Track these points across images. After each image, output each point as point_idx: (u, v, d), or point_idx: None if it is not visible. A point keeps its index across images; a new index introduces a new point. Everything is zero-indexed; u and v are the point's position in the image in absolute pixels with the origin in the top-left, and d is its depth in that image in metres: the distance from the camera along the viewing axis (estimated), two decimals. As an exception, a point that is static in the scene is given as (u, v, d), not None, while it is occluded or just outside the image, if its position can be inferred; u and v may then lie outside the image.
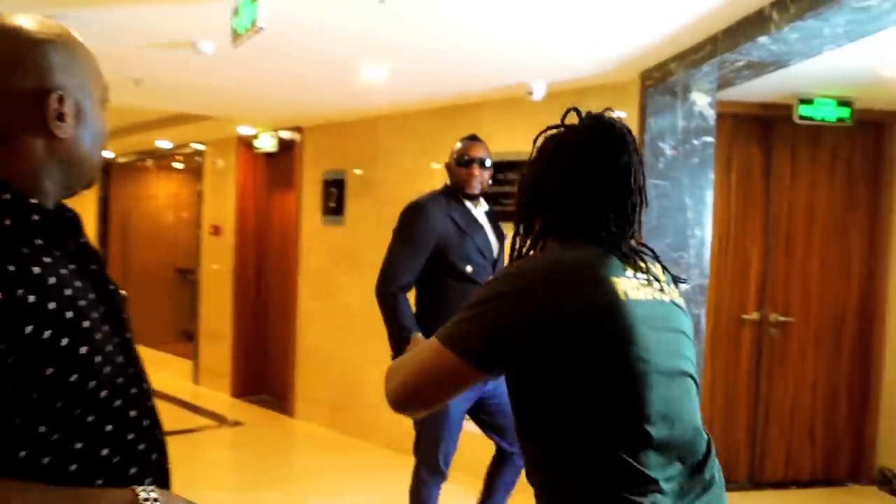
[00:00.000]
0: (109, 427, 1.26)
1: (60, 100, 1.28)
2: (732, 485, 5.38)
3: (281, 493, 5.41)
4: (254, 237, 8.40)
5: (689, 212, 4.51)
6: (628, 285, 1.59)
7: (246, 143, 8.17)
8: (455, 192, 3.69)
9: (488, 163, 3.71)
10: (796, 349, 5.44)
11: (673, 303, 1.69)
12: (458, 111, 5.80)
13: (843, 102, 4.98)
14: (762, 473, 5.44)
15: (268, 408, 7.89)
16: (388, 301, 3.49)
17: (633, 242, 1.71)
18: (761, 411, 5.41)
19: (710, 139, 4.51)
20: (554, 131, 1.89)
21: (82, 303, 1.25)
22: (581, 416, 1.54)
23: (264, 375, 8.34)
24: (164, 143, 9.40)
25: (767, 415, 5.42)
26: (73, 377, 1.20)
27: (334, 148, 7.10)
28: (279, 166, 8.02)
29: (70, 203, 1.38)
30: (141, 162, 10.57)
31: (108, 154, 10.55)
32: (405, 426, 6.29)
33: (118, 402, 1.28)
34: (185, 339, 9.33)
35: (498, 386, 3.55)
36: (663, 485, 1.55)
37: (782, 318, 5.38)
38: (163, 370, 9.52)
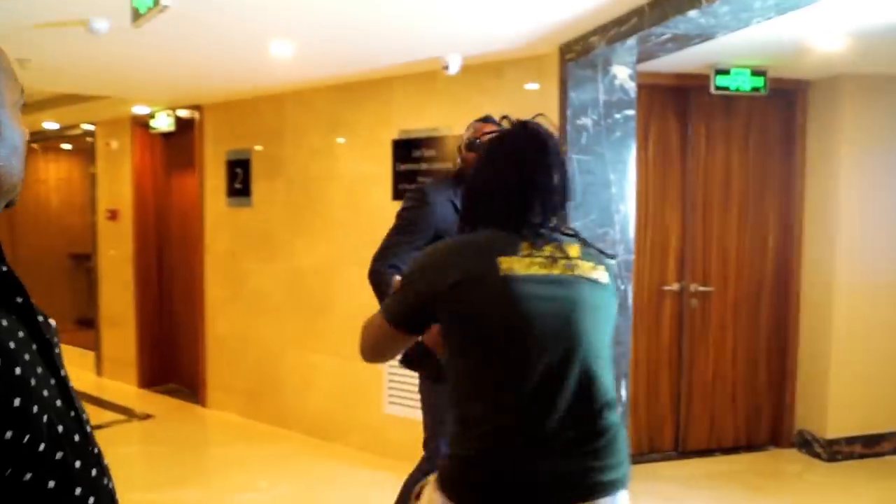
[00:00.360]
0: (52, 483, 1.11)
1: None
2: (658, 454, 5.42)
3: (200, 489, 5.20)
4: (154, 221, 8.05)
5: (612, 187, 4.45)
6: (517, 263, 1.89)
7: (142, 122, 7.79)
8: (462, 178, 3.48)
9: None
10: (716, 318, 5.48)
11: (582, 277, 1.93)
12: (369, 87, 5.60)
13: (758, 72, 4.98)
14: (687, 442, 5.49)
15: (178, 398, 7.60)
16: (375, 277, 3.36)
17: (554, 228, 1.99)
18: (684, 381, 5.44)
19: (631, 112, 4.44)
20: (490, 136, 2.21)
21: (12, 345, 1.07)
22: (473, 362, 1.92)
23: (173, 364, 8.04)
24: (51, 125, 8.92)
25: (690, 384, 5.46)
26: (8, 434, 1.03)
27: (237, 127, 6.82)
28: (178, 146, 7.68)
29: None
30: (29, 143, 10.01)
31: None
32: (329, 411, 6.18)
33: (59, 455, 1.12)
34: (83, 327, 8.93)
35: None
36: (532, 430, 1.85)
37: (702, 288, 5.41)
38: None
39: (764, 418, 5.63)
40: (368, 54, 4.85)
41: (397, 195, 5.43)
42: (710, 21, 3.35)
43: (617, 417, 1.92)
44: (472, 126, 3.46)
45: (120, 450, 6.18)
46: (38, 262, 9.72)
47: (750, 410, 5.59)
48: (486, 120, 3.44)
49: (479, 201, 2.04)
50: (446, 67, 4.71)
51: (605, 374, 1.93)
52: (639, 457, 5.28)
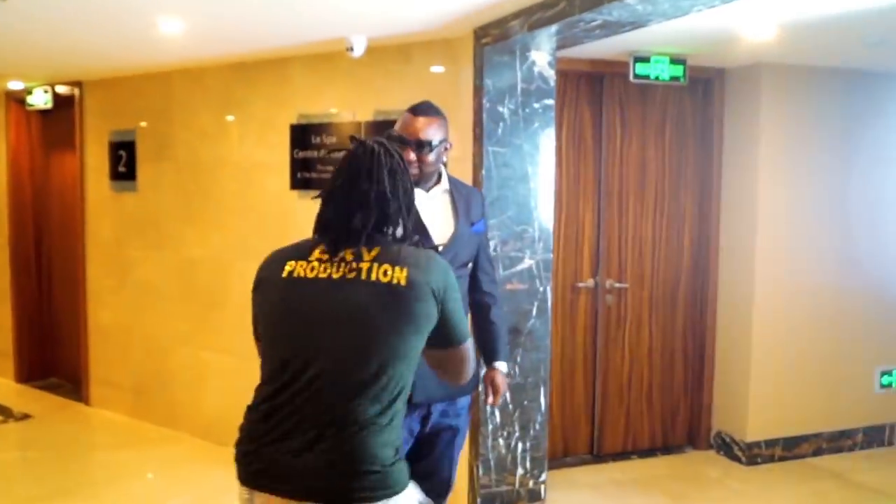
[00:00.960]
0: None
1: None
2: (573, 458, 5.22)
3: (85, 500, 4.76)
4: (31, 204, 7.44)
5: (531, 181, 4.18)
6: (302, 266, 2.07)
7: (17, 98, 7.17)
8: None
9: (432, 143, 2.96)
10: (632, 316, 5.30)
11: (364, 281, 2.02)
12: (266, 66, 5.19)
13: (677, 60, 4.77)
14: (602, 445, 5.31)
15: (60, 394, 7.05)
16: None
17: (375, 236, 2.11)
18: (599, 381, 5.25)
19: (550, 102, 4.18)
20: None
21: None
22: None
23: (54, 357, 7.49)
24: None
25: (605, 384, 5.27)
26: None
27: (121, 105, 6.30)
28: (57, 125, 7.10)
29: None
30: None
31: None
32: (223, 413, 5.75)
33: None
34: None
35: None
36: (262, 419, 2.03)
37: (617, 285, 5.21)
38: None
39: (681, 419, 5.49)
40: (266, 33, 4.45)
41: (295, 184, 5.05)
42: (647, 8, 3.09)
43: (353, 436, 1.95)
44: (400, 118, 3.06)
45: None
46: None
47: (666, 411, 5.44)
48: (413, 111, 3.01)
49: (319, 211, 2.16)
50: (350, 49, 4.35)
51: (348, 381, 1.98)
52: (553, 461, 5.08)
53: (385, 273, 2.02)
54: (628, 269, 5.25)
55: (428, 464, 3.27)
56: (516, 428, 4.28)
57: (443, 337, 2.08)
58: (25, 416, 6.48)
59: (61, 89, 6.70)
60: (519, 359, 4.22)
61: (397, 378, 1.99)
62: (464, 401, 3.19)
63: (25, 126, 7.34)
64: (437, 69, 4.45)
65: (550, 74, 4.13)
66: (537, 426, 4.32)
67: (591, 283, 5.18)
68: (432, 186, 3.10)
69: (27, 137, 7.36)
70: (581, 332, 5.19)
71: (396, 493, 1.97)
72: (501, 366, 3.22)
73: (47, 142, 7.37)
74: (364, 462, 1.94)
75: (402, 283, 2.00)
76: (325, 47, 4.64)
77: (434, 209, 3.10)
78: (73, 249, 6.78)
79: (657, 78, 4.72)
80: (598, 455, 5.29)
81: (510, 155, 4.11)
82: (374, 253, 2.06)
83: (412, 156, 2.96)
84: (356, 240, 2.07)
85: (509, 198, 4.11)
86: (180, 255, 5.83)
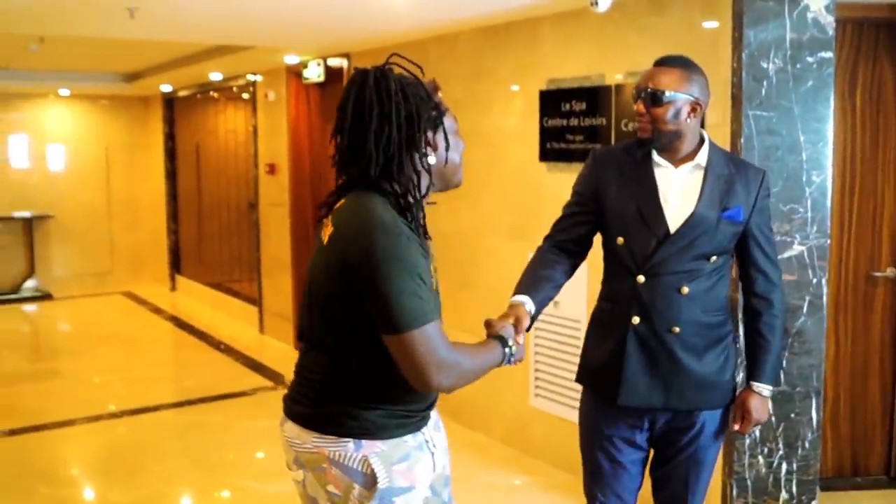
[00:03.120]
0: None
1: None
2: (864, 479, 4.42)
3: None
4: (308, 176, 7.63)
5: (803, 151, 3.48)
6: (321, 231, 2.01)
7: (296, 72, 7.34)
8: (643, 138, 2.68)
9: (665, 94, 2.54)
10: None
11: (321, 241, 1.97)
12: (514, 29, 4.81)
13: None
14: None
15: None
16: None
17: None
18: (900, 389, 4.39)
19: (828, 55, 3.44)
20: None
21: None
22: None
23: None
24: (216, 76, 8.67)
25: (905, 393, 4.39)
26: None
27: (384, 76, 6.20)
28: (331, 98, 7.18)
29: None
30: (202, 94, 9.89)
31: (167, 87, 10.00)
32: (470, 397, 5.44)
33: None
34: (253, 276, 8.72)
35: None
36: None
37: (925, 275, 4.31)
38: (232, 316, 9.03)
39: None
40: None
41: (545, 155, 4.64)
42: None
43: (324, 394, 1.99)
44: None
45: (256, 423, 5.80)
46: (221, 211, 9.63)
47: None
48: (662, 63, 2.59)
49: None
50: (595, 3, 3.84)
51: (321, 346, 2.00)
52: (838, 480, 4.32)
53: (326, 233, 1.95)
54: (940, 256, 4.33)
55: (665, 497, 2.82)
56: (780, 445, 3.62)
57: (375, 317, 1.85)
58: (294, 383, 6.62)
59: (333, 62, 6.74)
60: (785, 364, 3.55)
61: (358, 355, 1.95)
62: (707, 418, 2.68)
63: (305, 99, 7.51)
64: (697, 21, 3.83)
65: (828, 21, 3.39)
66: (807, 444, 3.63)
67: (891, 272, 4.32)
68: (685, 159, 2.61)
69: (306, 110, 7.53)
70: (877, 331, 4.35)
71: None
72: (760, 388, 2.68)
73: (323, 114, 7.48)
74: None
75: (325, 243, 1.95)
76: (572, 3, 4.17)
77: (673, 186, 2.61)
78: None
79: (980, 21, 3.79)
80: (894, 478, 4.43)
81: (776, 120, 3.43)
82: (336, 207, 1.97)
83: (641, 107, 2.55)
84: (335, 192, 2.01)
85: (775, 171, 3.43)
86: (433, 230, 5.62)
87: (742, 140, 3.44)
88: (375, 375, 1.95)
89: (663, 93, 2.50)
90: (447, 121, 2.01)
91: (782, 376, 3.55)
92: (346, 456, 1.95)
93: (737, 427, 2.71)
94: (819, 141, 3.48)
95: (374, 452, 1.96)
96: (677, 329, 2.58)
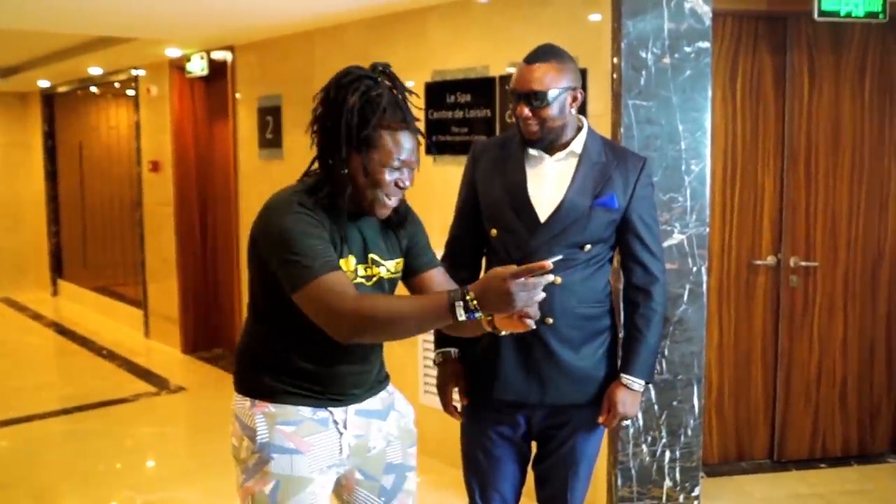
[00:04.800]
0: None
1: None
2: (748, 463, 4.51)
3: (208, 481, 4.54)
4: (195, 172, 7.40)
5: (682, 141, 3.50)
6: None
7: (179, 66, 7.12)
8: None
9: (547, 94, 2.46)
10: (823, 300, 4.46)
11: None
12: (401, 20, 4.74)
13: (876, -8, 3.91)
14: (784, 450, 4.50)
15: (221, 366, 6.99)
16: None
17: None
18: (781, 376, 4.47)
19: (705, 45, 3.47)
20: None
21: None
22: None
23: (217, 328, 7.46)
24: (95, 70, 8.35)
25: (789, 380, 4.47)
26: None
27: (269, 70, 6.07)
28: (216, 93, 6.99)
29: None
30: (83, 90, 9.52)
31: (45, 83, 9.59)
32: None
33: None
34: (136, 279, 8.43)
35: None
36: None
37: (805, 263, 4.40)
38: (117, 320, 8.73)
39: (882, 423, 4.61)
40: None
41: (430, 149, 4.58)
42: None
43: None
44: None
45: (139, 430, 5.58)
46: (104, 211, 9.29)
47: (864, 413, 4.57)
48: (535, 59, 2.51)
49: None
50: (478, -7, 3.81)
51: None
52: (724, 466, 4.40)
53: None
54: (818, 244, 4.44)
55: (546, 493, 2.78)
56: (663, 433, 3.64)
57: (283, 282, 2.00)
58: (179, 389, 6.42)
59: (216, 55, 6.56)
60: (666, 352, 3.57)
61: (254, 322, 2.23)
62: (585, 413, 2.65)
63: (188, 94, 7.29)
64: (580, 12, 3.83)
65: (705, 11, 3.42)
66: (689, 432, 3.66)
67: (771, 260, 4.41)
68: (560, 148, 2.57)
69: (190, 105, 7.30)
70: (759, 319, 4.44)
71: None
72: (629, 380, 2.60)
73: (208, 110, 7.28)
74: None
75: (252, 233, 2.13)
76: (455, -7, 4.13)
77: (547, 174, 2.57)
78: (229, 220, 6.65)
79: (849, 15, 3.87)
80: (778, 461, 4.52)
81: (655, 109, 3.45)
82: None
83: (526, 111, 2.47)
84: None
85: (655, 160, 3.44)
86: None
87: (622, 129, 3.44)
88: (267, 342, 2.17)
89: (546, 92, 2.44)
90: (378, 154, 2.05)
91: (664, 364, 3.57)
92: (244, 412, 2.16)
93: (601, 420, 2.62)
94: (697, 130, 3.51)
95: (262, 411, 2.13)
96: (551, 320, 2.52)
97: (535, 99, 2.44)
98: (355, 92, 2.04)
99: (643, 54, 3.41)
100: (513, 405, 2.62)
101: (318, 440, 2.15)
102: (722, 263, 4.34)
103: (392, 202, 2.12)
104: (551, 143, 2.55)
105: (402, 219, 2.26)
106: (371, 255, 2.17)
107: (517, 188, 2.56)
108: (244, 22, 5.39)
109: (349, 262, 2.10)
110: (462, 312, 1.85)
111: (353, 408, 2.22)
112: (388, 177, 2.07)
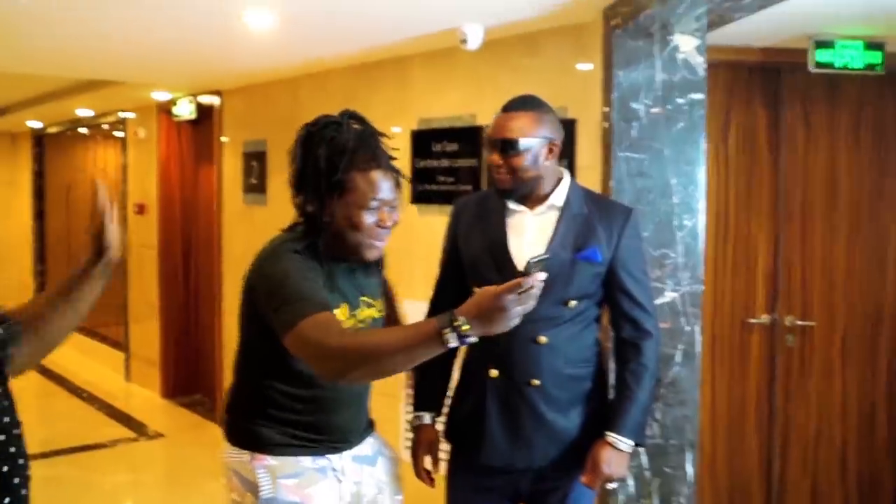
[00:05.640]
0: None
1: None
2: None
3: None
4: (180, 216, 7.31)
5: (674, 195, 3.37)
6: None
7: (166, 110, 7.03)
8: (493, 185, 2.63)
9: (519, 143, 2.41)
10: (820, 360, 4.28)
11: None
12: (385, 67, 4.65)
13: (873, 45, 3.81)
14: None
15: (199, 412, 6.83)
16: None
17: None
18: (777, 439, 4.29)
19: (699, 96, 3.35)
20: None
21: None
22: None
23: (198, 373, 7.28)
24: (85, 112, 8.27)
25: (786, 443, 4.29)
26: None
27: (255, 114, 5.97)
28: (202, 136, 6.89)
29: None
30: (73, 131, 9.44)
31: (36, 124, 9.53)
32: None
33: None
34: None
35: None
36: None
37: (801, 322, 4.25)
38: (98, 362, 8.59)
39: (885, 491, 4.42)
40: (374, 26, 3.91)
41: (416, 197, 4.46)
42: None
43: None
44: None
45: (115, 478, 5.39)
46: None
47: (864, 480, 4.38)
48: (510, 108, 2.46)
49: None
50: (464, 41, 3.71)
51: (236, 363, 2.26)
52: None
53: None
54: (815, 302, 4.29)
55: None
56: (655, 501, 3.47)
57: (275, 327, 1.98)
58: (158, 435, 6.25)
59: (204, 99, 6.47)
60: (659, 415, 3.41)
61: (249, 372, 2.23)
62: (576, 478, 2.51)
63: (176, 137, 7.21)
64: (569, 62, 3.72)
65: (699, 62, 3.31)
66: (682, 500, 3.48)
67: (766, 319, 4.26)
68: (540, 201, 2.48)
69: (177, 149, 7.22)
70: (753, 380, 4.28)
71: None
72: (615, 439, 2.46)
73: (195, 153, 7.18)
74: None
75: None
76: (443, 41, 4.03)
77: (527, 229, 2.48)
78: (212, 264, 6.52)
79: (845, 67, 3.77)
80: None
81: (648, 162, 3.33)
82: None
83: (497, 159, 2.41)
84: None
85: (647, 214, 3.32)
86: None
87: (613, 182, 3.32)
88: (263, 393, 2.14)
89: (517, 141, 2.38)
90: (352, 197, 2.09)
91: (656, 428, 3.41)
92: (243, 467, 2.14)
93: (584, 479, 2.46)
94: (690, 184, 3.38)
95: (263, 465, 2.12)
96: (537, 382, 2.42)
97: (508, 147, 2.39)
98: (321, 140, 2.09)
99: (635, 105, 3.30)
100: (500, 470, 2.50)
101: (320, 490, 2.16)
102: (714, 322, 4.19)
103: (379, 243, 2.15)
104: (527, 196, 2.48)
105: (381, 259, 2.33)
106: (363, 298, 2.22)
107: (497, 244, 2.48)
108: (232, 67, 5.32)
109: (344, 311, 2.13)
110: (453, 339, 1.75)
111: (348, 454, 2.25)
112: (368, 219, 2.10)
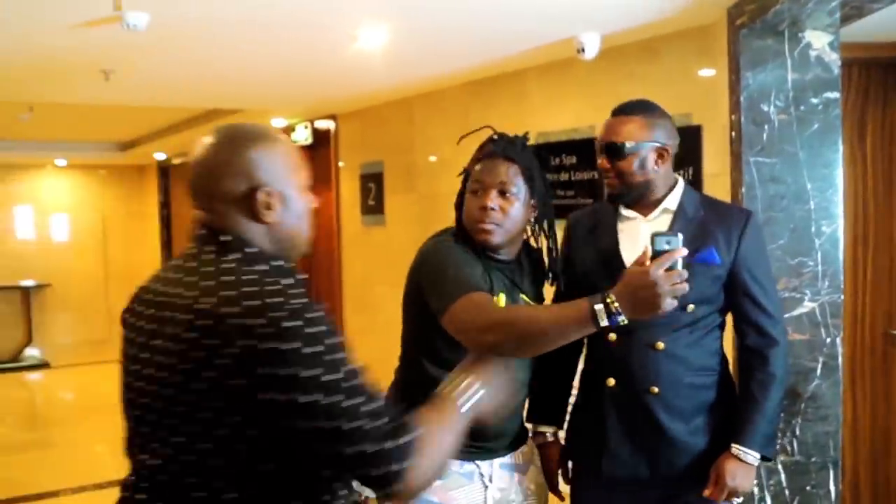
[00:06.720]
0: None
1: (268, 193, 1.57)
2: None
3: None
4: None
5: (811, 200, 3.20)
6: None
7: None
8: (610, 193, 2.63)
9: (625, 146, 2.37)
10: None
11: None
12: (500, 82, 4.61)
13: None
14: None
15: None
16: None
17: None
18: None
19: (834, 95, 3.17)
20: None
21: None
22: None
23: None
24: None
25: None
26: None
27: (371, 136, 6.02)
28: (319, 160, 6.99)
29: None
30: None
31: (161, 156, 9.89)
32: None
33: None
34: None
35: None
36: None
37: (947, 334, 4.00)
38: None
39: None
40: (489, 39, 3.86)
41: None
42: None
43: None
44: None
45: None
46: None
47: None
48: (620, 112, 2.44)
49: None
50: (581, 50, 3.62)
51: None
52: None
53: None
54: (962, 313, 4.03)
55: None
56: (797, 522, 3.28)
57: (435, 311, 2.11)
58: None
59: (320, 124, 6.56)
60: (798, 431, 3.22)
61: None
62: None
63: (294, 162, 7.30)
64: (692, 67, 3.60)
65: (833, 59, 3.13)
66: (827, 521, 3.29)
67: (910, 330, 4.02)
68: (652, 206, 2.42)
69: (296, 174, 7.31)
70: (898, 393, 4.04)
71: None
72: (740, 451, 2.35)
73: (313, 177, 7.22)
74: None
75: None
76: (559, 52, 3.95)
77: (641, 236, 2.39)
78: (332, 286, 6.58)
79: None
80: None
81: (780, 166, 3.16)
82: None
83: (605, 164, 2.39)
84: None
85: (781, 221, 3.16)
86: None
87: (743, 189, 3.17)
88: (423, 399, 2.10)
89: (623, 144, 2.35)
90: (468, 185, 2.33)
91: (796, 445, 3.23)
92: None
93: (706, 492, 2.36)
94: (828, 188, 3.20)
95: None
96: (656, 389, 2.33)
97: (613, 151, 2.36)
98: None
99: (765, 108, 3.14)
100: (624, 481, 2.42)
101: (463, 494, 2.22)
102: (855, 333, 3.96)
103: (483, 226, 2.18)
104: (639, 202, 2.42)
105: (535, 263, 2.44)
106: (522, 296, 2.29)
107: (610, 251, 2.43)
108: (346, 90, 5.37)
109: (500, 300, 2.16)
110: (604, 317, 1.79)
111: (497, 461, 2.30)
112: (473, 203, 2.21)
